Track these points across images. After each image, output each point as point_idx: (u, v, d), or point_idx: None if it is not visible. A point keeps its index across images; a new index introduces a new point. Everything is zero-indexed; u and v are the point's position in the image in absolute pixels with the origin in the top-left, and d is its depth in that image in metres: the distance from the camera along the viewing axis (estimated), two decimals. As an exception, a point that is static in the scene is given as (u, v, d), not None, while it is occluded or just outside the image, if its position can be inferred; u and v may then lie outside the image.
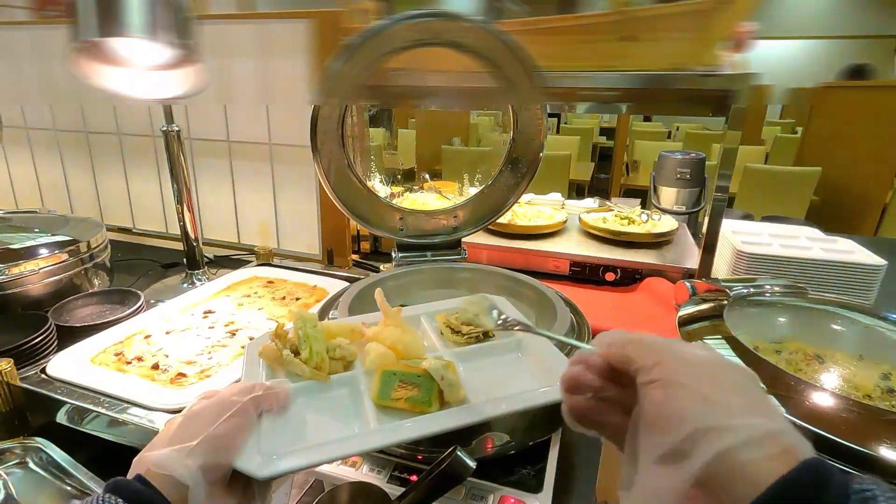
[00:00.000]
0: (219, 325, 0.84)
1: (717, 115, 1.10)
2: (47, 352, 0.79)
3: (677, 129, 6.24)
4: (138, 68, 0.87)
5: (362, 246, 1.49)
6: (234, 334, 0.81)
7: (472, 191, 1.24)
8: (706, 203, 1.60)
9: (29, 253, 0.92)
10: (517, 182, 0.97)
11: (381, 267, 1.06)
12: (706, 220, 1.07)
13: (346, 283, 1.01)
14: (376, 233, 0.99)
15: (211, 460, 0.37)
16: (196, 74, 0.90)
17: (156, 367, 0.72)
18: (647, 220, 1.42)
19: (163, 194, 1.50)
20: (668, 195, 1.68)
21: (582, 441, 0.72)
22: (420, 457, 0.60)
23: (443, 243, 0.96)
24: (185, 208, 1.12)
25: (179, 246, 1.19)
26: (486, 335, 0.60)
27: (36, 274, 0.90)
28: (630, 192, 3.75)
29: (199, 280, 1.17)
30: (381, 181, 1.60)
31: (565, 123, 6.86)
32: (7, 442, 0.66)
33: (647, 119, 6.83)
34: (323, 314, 0.74)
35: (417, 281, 0.85)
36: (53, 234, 1.01)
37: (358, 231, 1.46)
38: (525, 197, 1.70)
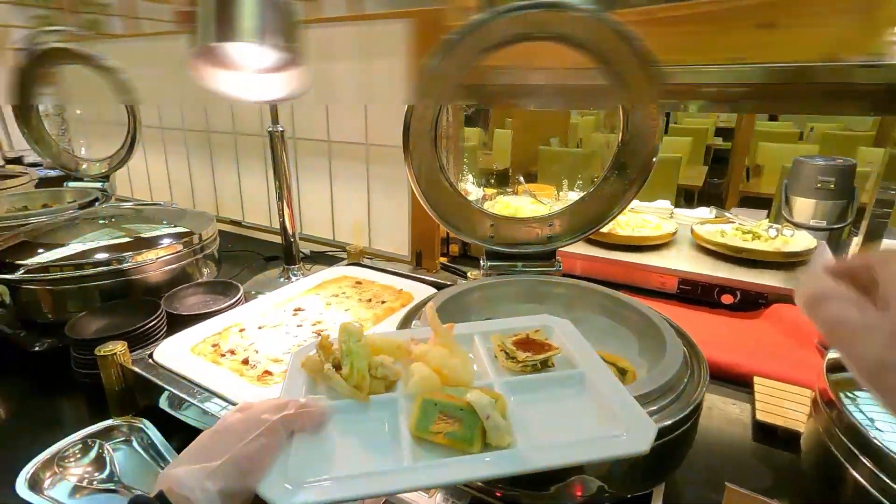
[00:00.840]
0: (307, 323, 0.85)
1: (879, 113, 0.91)
2: (157, 337, 0.85)
3: (811, 129, 5.49)
4: (247, 71, 0.91)
5: (451, 249, 1.46)
6: (319, 334, 0.82)
7: (572, 196, 1.15)
8: (857, 219, 1.35)
9: (152, 242, 1.00)
10: (624, 189, 0.87)
11: (469, 274, 1.02)
12: (857, 238, 0.88)
13: (433, 290, 0.98)
14: (465, 239, 0.95)
15: (232, 484, 0.36)
16: (299, 77, 0.91)
17: (245, 362, 0.74)
18: (776, 236, 1.23)
19: (269, 190, 1.60)
20: (804, 207, 1.45)
21: (692, 493, 0.62)
22: (499, 493, 0.54)
23: (535, 254, 0.90)
24: (285, 204, 1.16)
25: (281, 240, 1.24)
26: (545, 364, 0.54)
27: (155, 262, 0.98)
28: (749, 201, 3.35)
29: (295, 275, 1.21)
30: (473, 182, 1.57)
31: (675, 123, 6.35)
32: (118, 419, 0.71)
33: (773, 118, 6.08)
34: (406, 322, 0.72)
35: (505, 294, 0.79)
36: (175, 226, 1.10)
37: (447, 233, 1.43)
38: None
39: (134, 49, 1.72)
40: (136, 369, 0.73)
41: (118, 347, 0.73)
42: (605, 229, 1.33)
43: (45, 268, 0.89)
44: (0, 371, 0.89)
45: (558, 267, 0.88)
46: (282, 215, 1.17)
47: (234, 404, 0.65)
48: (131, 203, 1.26)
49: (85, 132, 2.04)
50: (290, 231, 1.19)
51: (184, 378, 0.70)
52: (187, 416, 0.69)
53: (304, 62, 0.90)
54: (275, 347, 0.78)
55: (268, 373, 0.71)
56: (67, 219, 1.13)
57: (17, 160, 3.07)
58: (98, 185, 1.56)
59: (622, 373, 0.64)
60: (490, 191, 2.00)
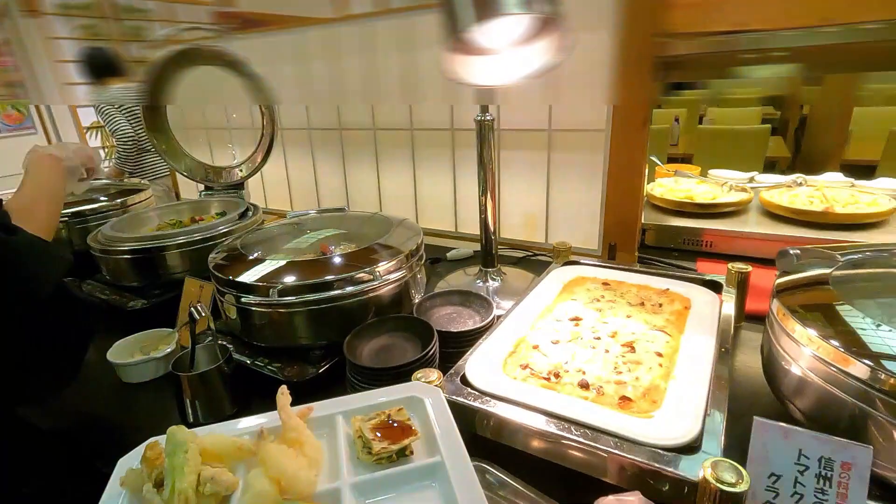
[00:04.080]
0: (604, 336, 0.74)
1: None
2: (434, 361, 0.75)
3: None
4: (505, 48, 0.79)
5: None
6: (632, 348, 0.71)
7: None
8: None
9: (379, 255, 0.90)
10: None
11: (731, 266, 0.89)
12: None
13: (705, 289, 0.87)
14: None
15: None
16: (561, 39, 0.79)
17: (585, 385, 0.63)
18: None
19: (415, 186, 1.49)
20: None
21: None
22: None
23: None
24: (489, 198, 1.04)
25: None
26: (402, 453, 0.51)
27: (390, 278, 0.87)
28: (850, 168, 3.17)
29: (494, 279, 1.11)
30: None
31: (732, 94, 6.12)
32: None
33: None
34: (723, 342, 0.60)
35: None
36: (387, 235, 0.98)
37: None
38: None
39: (251, 46, 1.62)
40: (471, 403, 0.62)
41: (434, 377, 0.63)
42: (819, 208, 1.21)
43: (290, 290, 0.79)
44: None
45: None
46: (483, 211, 1.06)
47: (618, 437, 0.55)
48: (314, 211, 1.16)
49: (206, 140, 1.95)
50: (491, 229, 1.08)
51: (531, 407, 0.60)
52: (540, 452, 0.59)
53: (566, 24, 0.78)
54: (599, 367, 0.67)
55: (627, 399, 0.61)
56: (273, 231, 1.04)
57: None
58: (235, 193, 1.47)
59: None
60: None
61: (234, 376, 0.79)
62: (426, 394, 0.58)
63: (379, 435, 0.52)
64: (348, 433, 0.55)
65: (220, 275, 0.83)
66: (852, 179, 1.46)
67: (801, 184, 1.42)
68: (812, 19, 0.95)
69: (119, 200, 1.52)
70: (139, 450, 0.50)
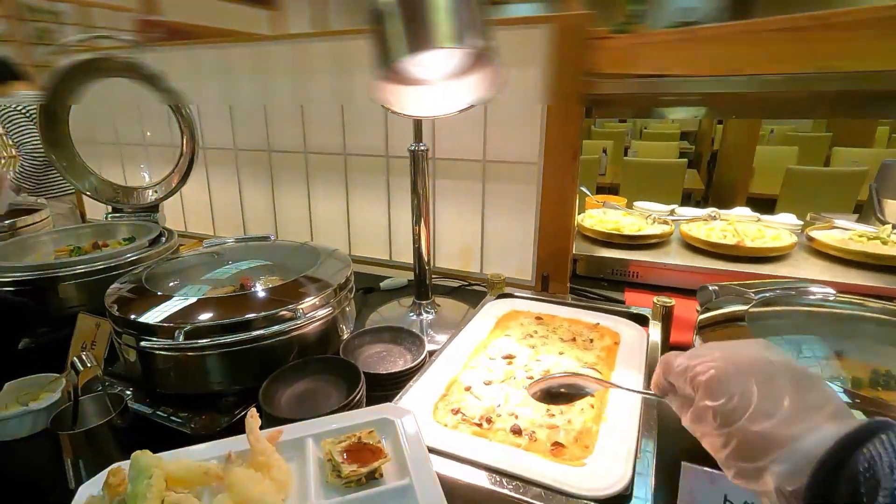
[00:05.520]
0: (537, 375, 0.73)
1: None
2: (360, 404, 0.70)
3: (771, 131, 5.84)
4: (438, 80, 0.78)
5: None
6: (564, 387, 0.70)
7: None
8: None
9: (307, 289, 0.84)
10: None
11: (657, 300, 0.92)
12: None
13: (633, 323, 0.88)
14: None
15: None
16: (494, 75, 0.79)
17: (517, 431, 0.61)
18: (909, 240, 1.23)
19: (348, 212, 1.44)
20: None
21: None
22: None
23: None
24: (423, 227, 1.02)
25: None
26: (372, 476, 0.52)
27: (317, 315, 0.82)
28: (755, 203, 3.48)
29: (428, 311, 1.08)
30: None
31: (646, 128, 6.58)
32: None
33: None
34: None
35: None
36: (314, 267, 0.91)
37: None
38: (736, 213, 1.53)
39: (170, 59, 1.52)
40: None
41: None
42: (731, 241, 1.29)
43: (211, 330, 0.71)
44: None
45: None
46: (417, 241, 1.04)
47: (551, 490, 0.52)
48: (232, 239, 1.07)
49: (119, 158, 1.78)
50: (425, 259, 1.05)
51: (462, 459, 0.56)
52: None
53: (498, 60, 0.78)
54: (531, 410, 0.65)
55: (559, 445, 0.59)
56: (188, 262, 0.94)
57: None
58: (147, 216, 1.35)
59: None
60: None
61: (131, 430, 0.69)
62: (398, 415, 0.58)
63: (349, 458, 0.51)
64: (319, 456, 0.54)
65: (117, 313, 0.74)
66: (758, 214, 1.59)
67: (715, 217, 1.52)
68: (721, 69, 1.02)
69: (7, 222, 1.35)
70: (101, 476, 0.49)
